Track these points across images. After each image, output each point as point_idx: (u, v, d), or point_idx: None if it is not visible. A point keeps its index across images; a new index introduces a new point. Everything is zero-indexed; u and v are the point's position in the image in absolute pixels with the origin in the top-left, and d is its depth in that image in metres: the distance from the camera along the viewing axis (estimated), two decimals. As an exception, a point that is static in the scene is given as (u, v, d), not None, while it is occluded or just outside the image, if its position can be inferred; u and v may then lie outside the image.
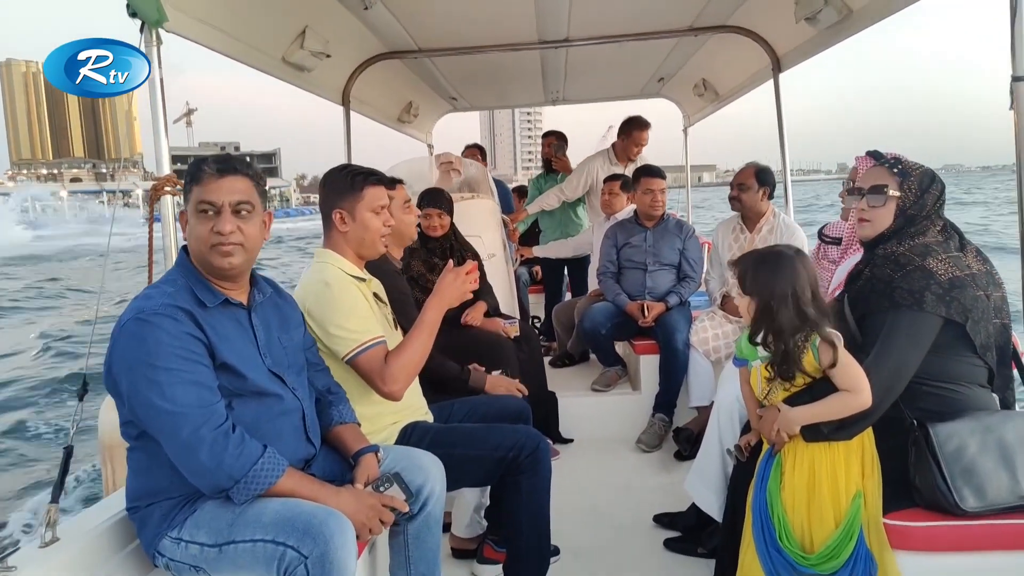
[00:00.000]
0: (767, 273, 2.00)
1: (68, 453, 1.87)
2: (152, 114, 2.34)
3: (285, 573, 1.62)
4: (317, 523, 1.64)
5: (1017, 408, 2.09)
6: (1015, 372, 2.11)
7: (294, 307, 2.05)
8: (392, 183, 2.83)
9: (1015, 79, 2.19)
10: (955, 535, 1.88)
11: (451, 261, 2.47)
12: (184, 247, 1.83)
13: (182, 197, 1.81)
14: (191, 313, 1.69)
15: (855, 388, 1.89)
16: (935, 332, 1.91)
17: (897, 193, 2.03)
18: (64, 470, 1.85)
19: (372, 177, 2.34)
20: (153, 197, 2.31)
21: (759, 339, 2.04)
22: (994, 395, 2.05)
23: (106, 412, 2.33)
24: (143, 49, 2.22)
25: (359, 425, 2.11)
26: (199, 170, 1.76)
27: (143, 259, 2.40)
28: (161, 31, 2.31)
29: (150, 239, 2.34)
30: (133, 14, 2.25)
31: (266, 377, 1.82)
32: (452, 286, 2.26)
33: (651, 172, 4.27)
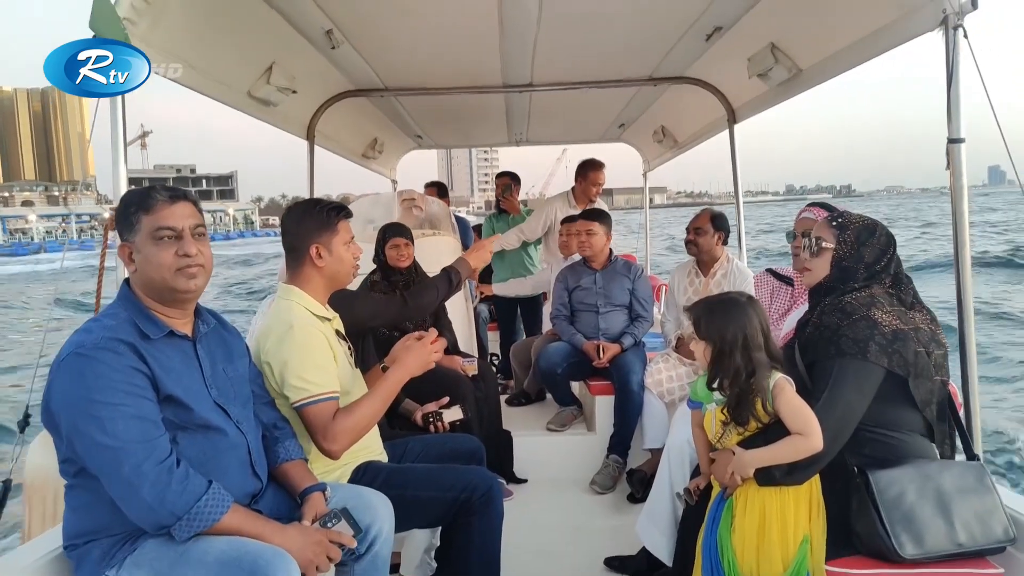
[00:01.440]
0: (720, 319, 2.07)
1: (5, 487, 1.80)
2: (112, 142, 2.34)
3: None
4: (263, 563, 1.61)
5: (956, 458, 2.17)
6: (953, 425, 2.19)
7: (238, 338, 2.04)
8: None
9: (951, 141, 2.32)
10: None
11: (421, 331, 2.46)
12: (126, 280, 1.81)
13: (120, 230, 1.77)
14: (133, 345, 1.66)
15: (806, 432, 1.94)
16: (879, 381, 1.98)
17: (832, 245, 2.13)
18: None
19: (343, 212, 2.38)
20: (108, 227, 2.27)
21: (715, 384, 2.10)
22: (933, 445, 2.13)
23: (35, 452, 2.25)
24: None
25: (306, 461, 2.08)
26: (148, 198, 1.74)
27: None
28: None
29: (100, 268, 2.30)
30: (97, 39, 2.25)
31: (211, 409, 1.80)
32: (415, 354, 2.28)
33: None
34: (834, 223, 2.17)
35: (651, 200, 7.90)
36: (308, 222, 2.33)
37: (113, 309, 1.76)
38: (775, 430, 2.01)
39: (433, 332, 2.35)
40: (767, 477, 2.00)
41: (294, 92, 3.62)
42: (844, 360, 1.99)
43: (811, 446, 1.94)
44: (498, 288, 5.60)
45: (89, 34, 2.15)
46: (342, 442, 2.13)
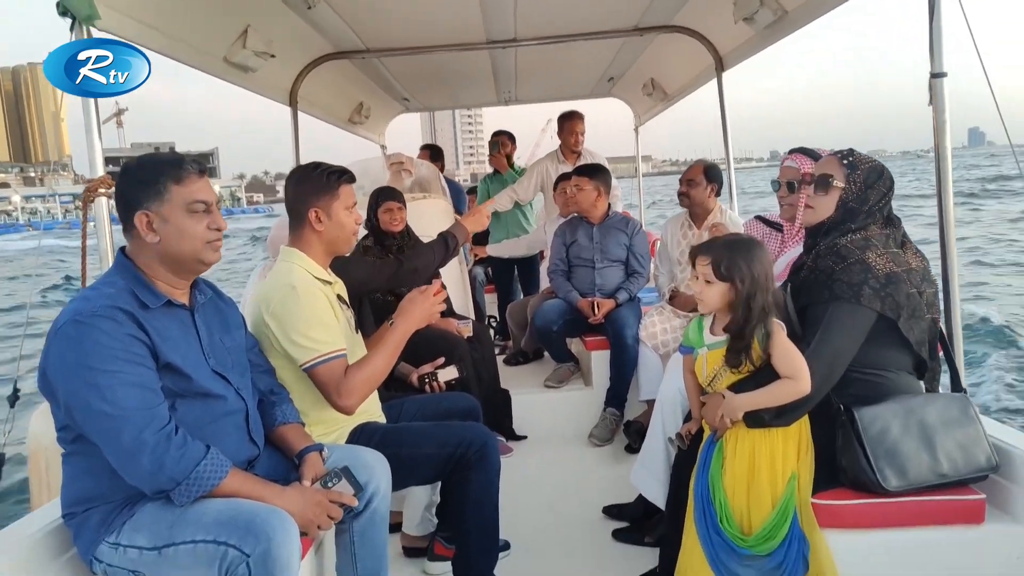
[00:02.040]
0: (745, 258, 2.03)
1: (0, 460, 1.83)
2: (84, 116, 2.30)
3: (227, 573, 1.61)
4: (259, 521, 1.64)
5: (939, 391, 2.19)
6: (942, 357, 2.21)
7: (234, 309, 2.04)
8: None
9: (933, 75, 2.29)
10: (879, 513, 1.96)
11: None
12: (122, 249, 1.80)
13: (137, 198, 1.73)
14: (132, 314, 1.66)
15: (796, 375, 1.96)
16: (870, 324, 1.99)
17: (842, 184, 2.09)
18: None
19: (345, 176, 2.34)
20: (86, 199, 2.26)
21: (739, 327, 2.03)
22: (920, 382, 2.14)
23: (37, 422, 2.27)
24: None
25: (303, 424, 2.10)
26: (181, 169, 1.74)
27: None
28: (93, 29, 2.27)
29: (83, 241, 2.29)
30: (64, 12, 2.21)
31: (210, 378, 1.81)
32: (420, 307, 2.29)
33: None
34: (845, 161, 2.11)
35: (634, 169, 7.85)
36: (307, 185, 2.31)
37: (110, 278, 1.75)
38: (765, 373, 2.02)
39: (436, 284, 2.34)
40: (756, 420, 2.02)
41: (272, 56, 3.56)
42: (838, 304, 1.99)
43: (799, 389, 1.96)
44: (493, 249, 5.60)
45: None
46: (356, 396, 2.16)
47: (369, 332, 2.63)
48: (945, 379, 2.23)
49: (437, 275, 3.73)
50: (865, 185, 2.09)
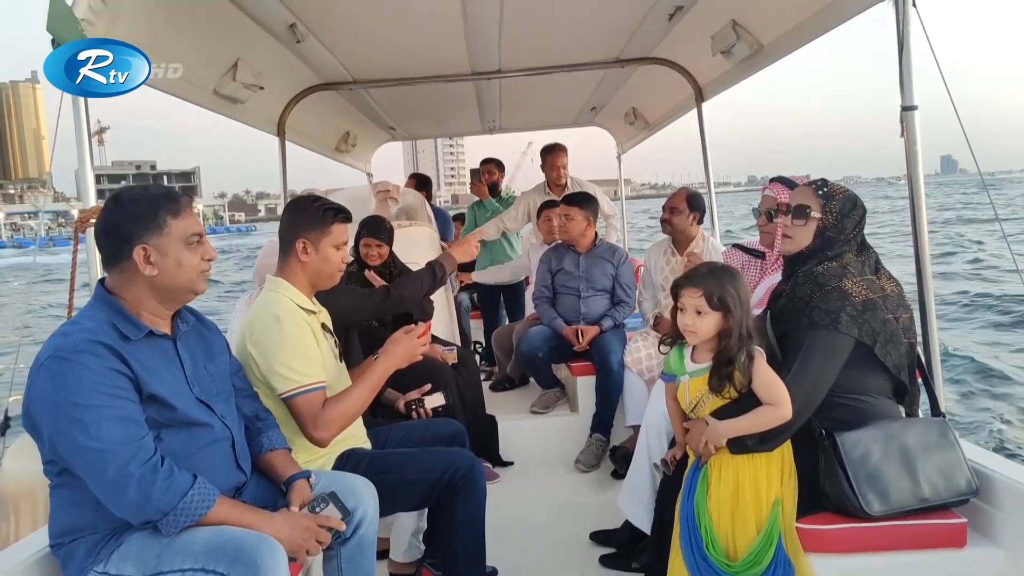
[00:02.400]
0: (734, 286, 2.07)
1: None
2: (77, 147, 2.33)
3: None
4: (248, 549, 1.64)
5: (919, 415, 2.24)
6: (920, 383, 2.26)
7: (217, 334, 2.04)
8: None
9: (904, 108, 2.38)
10: (862, 537, 1.99)
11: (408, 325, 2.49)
12: (101, 281, 1.81)
13: (134, 232, 1.73)
14: (113, 348, 1.66)
15: (777, 401, 1.99)
16: (849, 350, 2.04)
17: (819, 215, 2.15)
18: None
19: (341, 215, 2.37)
20: (78, 228, 2.28)
21: (733, 354, 2.05)
22: (900, 406, 2.19)
23: (10, 460, 2.25)
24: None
25: (289, 450, 2.11)
26: (178, 204, 1.77)
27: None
28: None
29: (72, 271, 2.30)
30: (54, 41, 2.24)
31: (195, 406, 1.82)
32: (403, 347, 2.31)
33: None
34: (819, 192, 2.17)
35: (614, 192, 7.92)
36: (301, 216, 2.33)
37: (90, 312, 1.75)
38: (747, 400, 2.06)
39: (422, 326, 2.37)
40: (740, 446, 2.05)
41: (261, 88, 3.61)
42: (816, 331, 2.04)
43: (781, 416, 1.99)
44: (478, 276, 5.64)
45: (48, 37, 2.14)
46: (332, 430, 2.16)
47: (355, 361, 2.65)
48: (925, 404, 2.28)
49: (430, 303, 3.76)
50: (840, 214, 2.14)
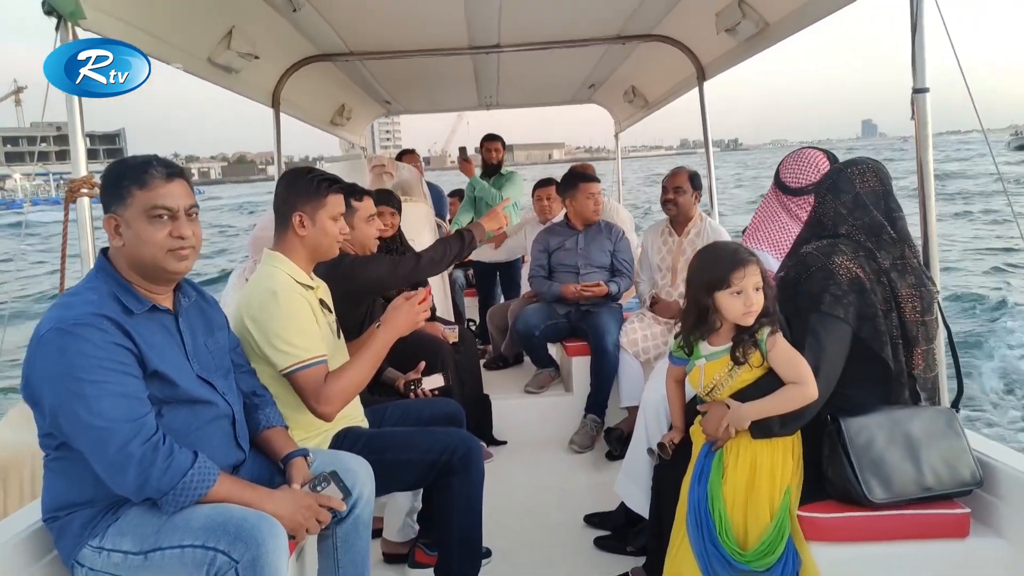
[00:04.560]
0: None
1: None
2: (68, 115, 2.27)
3: None
4: (249, 527, 1.62)
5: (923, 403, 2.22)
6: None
7: (217, 309, 2.02)
8: (359, 193, 2.86)
9: (916, 91, 2.33)
10: (864, 526, 1.98)
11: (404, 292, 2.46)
12: (103, 251, 1.77)
13: (107, 201, 1.72)
14: (117, 321, 1.63)
15: (802, 380, 1.96)
16: (842, 329, 2.00)
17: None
18: None
19: (336, 185, 2.32)
20: (68, 199, 2.22)
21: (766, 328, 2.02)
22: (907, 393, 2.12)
23: (3, 429, 2.22)
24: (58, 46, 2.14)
25: (286, 428, 2.09)
26: (144, 173, 1.70)
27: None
28: (78, 28, 2.24)
29: (63, 243, 2.25)
30: (49, 11, 2.19)
31: (196, 383, 1.79)
32: (404, 314, 2.26)
33: (591, 178, 4.31)
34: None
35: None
36: (296, 188, 2.29)
37: (92, 283, 1.72)
38: (766, 383, 2.02)
39: (421, 291, 2.32)
40: (764, 430, 2.00)
41: (256, 58, 3.52)
42: (807, 316, 2.02)
43: (808, 394, 1.95)
44: (475, 253, 5.57)
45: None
46: (336, 403, 2.14)
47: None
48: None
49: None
50: (830, 193, 2.14)
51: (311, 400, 2.13)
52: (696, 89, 4.59)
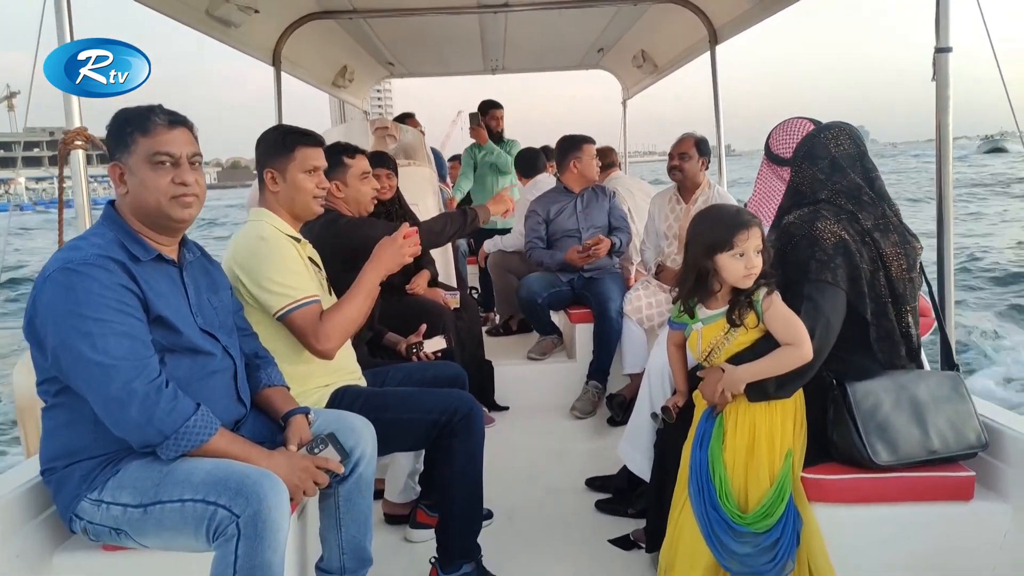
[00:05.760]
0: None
1: None
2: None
3: (215, 533, 1.58)
4: (250, 483, 1.60)
5: (927, 367, 2.20)
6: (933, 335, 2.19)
7: (220, 271, 2.02)
8: (351, 152, 2.81)
9: (938, 50, 2.26)
10: (868, 487, 1.97)
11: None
12: (111, 202, 1.76)
13: (111, 149, 1.71)
14: (124, 264, 1.63)
15: (797, 341, 1.93)
16: (835, 293, 1.98)
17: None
18: None
19: (305, 137, 2.29)
20: (62, 152, 2.17)
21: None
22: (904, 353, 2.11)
23: (20, 373, 2.22)
24: (47, 2, 2.10)
25: (288, 388, 2.07)
26: (147, 120, 1.69)
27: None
28: None
29: (59, 196, 2.21)
30: None
31: (199, 334, 1.78)
32: (390, 250, 2.25)
33: (590, 139, 4.27)
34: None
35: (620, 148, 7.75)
36: (264, 146, 2.30)
37: (99, 229, 1.72)
38: (763, 346, 2.00)
39: (404, 227, 2.30)
40: (759, 392, 1.99)
41: (256, 12, 3.45)
42: (797, 287, 2.00)
43: (802, 355, 1.93)
44: (488, 245, 5.39)
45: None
46: (335, 339, 2.16)
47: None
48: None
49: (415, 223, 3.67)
50: (807, 160, 2.13)
51: (310, 338, 2.13)
52: (707, 54, 4.50)
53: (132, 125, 1.69)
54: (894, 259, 2.04)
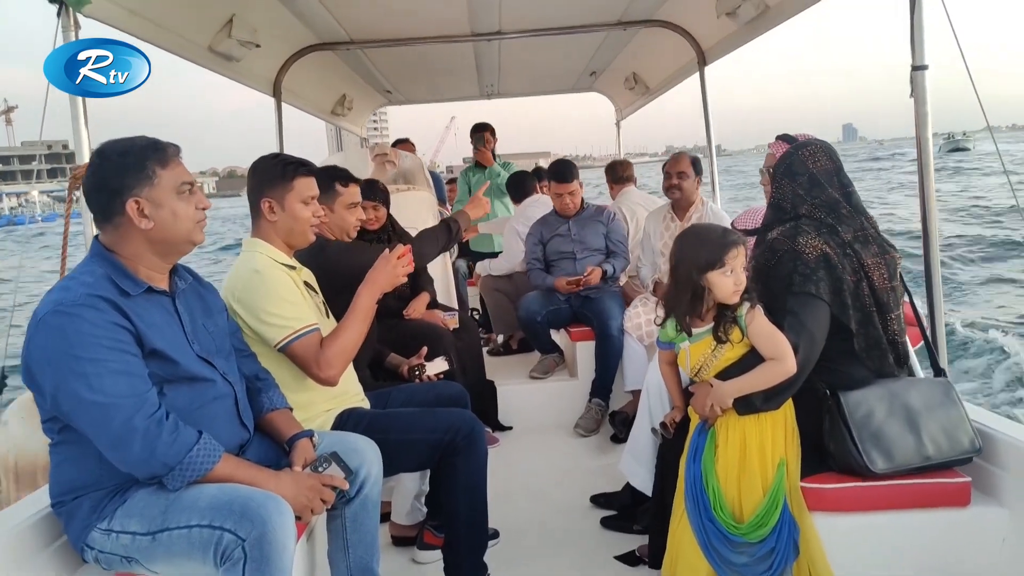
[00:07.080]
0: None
1: None
2: (71, 105, 2.28)
3: (222, 557, 1.60)
4: (255, 505, 1.63)
5: (921, 375, 2.24)
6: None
7: (215, 294, 2.02)
8: (346, 180, 2.82)
9: (915, 68, 2.34)
10: (866, 495, 2.01)
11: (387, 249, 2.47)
12: (96, 237, 1.77)
13: (124, 184, 1.69)
14: (113, 302, 1.64)
15: (780, 355, 1.98)
16: (818, 305, 2.03)
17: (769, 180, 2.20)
18: None
19: (303, 168, 2.31)
20: (72, 186, 2.23)
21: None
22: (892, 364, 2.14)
23: (12, 422, 2.23)
24: (59, 34, 2.16)
25: (291, 410, 2.10)
26: (163, 152, 1.72)
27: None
28: (80, 16, 2.25)
29: (65, 229, 2.26)
30: None
31: (196, 362, 1.80)
32: (384, 271, 2.27)
33: (560, 177, 4.24)
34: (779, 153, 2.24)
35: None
36: (262, 175, 2.29)
37: (87, 267, 1.72)
38: (750, 361, 2.05)
39: (400, 247, 2.32)
40: (747, 406, 2.04)
41: (257, 46, 3.53)
42: (781, 300, 2.05)
43: (786, 370, 1.98)
44: (482, 268, 5.45)
45: None
46: (337, 366, 2.17)
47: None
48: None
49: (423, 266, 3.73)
50: (786, 177, 2.19)
51: (312, 367, 2.14)
52: (697, 75, 4.59)
53: (151, 159, 1.70)
54: (875, 268, 2.10)
